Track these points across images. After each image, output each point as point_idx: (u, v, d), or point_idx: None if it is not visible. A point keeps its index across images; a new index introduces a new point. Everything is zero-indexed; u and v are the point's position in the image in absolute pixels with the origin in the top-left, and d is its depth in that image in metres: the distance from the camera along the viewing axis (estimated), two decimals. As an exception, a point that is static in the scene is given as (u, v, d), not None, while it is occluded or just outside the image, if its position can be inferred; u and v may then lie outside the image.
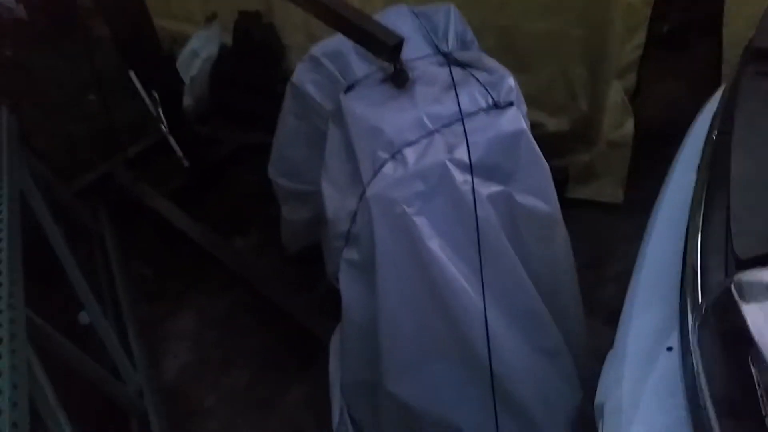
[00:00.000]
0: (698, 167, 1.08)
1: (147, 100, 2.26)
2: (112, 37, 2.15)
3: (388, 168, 1.43)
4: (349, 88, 1.67)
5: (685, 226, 1.10)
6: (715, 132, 1.02)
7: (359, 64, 1.73)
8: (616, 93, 2.09)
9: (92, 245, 2.24)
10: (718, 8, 2.14)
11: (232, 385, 1.86)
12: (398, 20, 1.73)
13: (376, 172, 1.44)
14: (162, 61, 2.26)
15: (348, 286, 1.50)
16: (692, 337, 0.75)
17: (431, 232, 1.35)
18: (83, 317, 1.86)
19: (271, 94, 2.81)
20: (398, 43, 1.57)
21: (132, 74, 2.22)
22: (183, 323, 2.09)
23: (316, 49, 1.81)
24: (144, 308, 2.11)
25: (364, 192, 1.44)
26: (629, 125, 2.11)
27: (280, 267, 2.18)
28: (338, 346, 1.60)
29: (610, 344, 1.62)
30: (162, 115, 2.25)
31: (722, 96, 1.15)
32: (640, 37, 2.02)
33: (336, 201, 1.60)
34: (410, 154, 1.43)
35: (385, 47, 1.58)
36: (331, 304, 1.91)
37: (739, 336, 0.67)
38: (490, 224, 1.35)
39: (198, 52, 2.87)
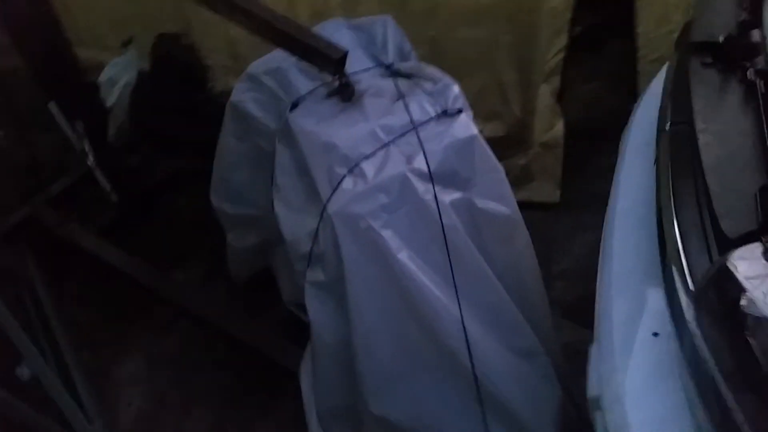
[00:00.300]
0: (656, 159, 1.14)
1: (69, 133, 2.14)
2: (30, 69, 2.02)
3: (347, 183, 1.42)
4: (294, 105, 1.65)
5: (646, 217, 1.15)
6: (668, 124, 1.08)
7: (301, 80, 1.70)
8: (544, 96, 2.17)
9: (21, 293, 2.08)
10: (628, 9, 2.28)
11: (194, 428, 1.77)
12: (335, 34, 1.72)
13: (335, 188, 1.42)
14: (86, 89, 2.15)
15: (316, 309, 1.46)
16: (690, 318, 0.79)
17: (399, 243, 1.34)
18: (22, 371, 1.72)
19: (197, 117, 2.74)
20: (342, 56, 1.56)
21: (52, 106, 2.09)
22: (131, 367, 1.98)
23: (254, 67, 1.78)
24: (86, 355, 1.98)
25: (324, 209, 1.42)
26: (559, 127, 2.20)
27: (228, 297, 2.11)
28: (309, 372, 1.56)
29: (573, 337, 1.68)
30: (88, 147, 2.13)
31: (665, 90, 1.22)
32: (563, 40, 2.11)
33: (292, 221, 1.56)
34: (368, 167, 1.42)
35: (329, 61, 1.57)
36: (292, 329, 1.87)
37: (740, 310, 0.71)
38: (456, 231, 1.36)
39: (115, 79, 2.73)
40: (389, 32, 1.80)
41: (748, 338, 0.72)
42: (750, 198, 0.78)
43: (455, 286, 1.33)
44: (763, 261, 0.71)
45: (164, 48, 2.78)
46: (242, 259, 2.05)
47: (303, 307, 1.85)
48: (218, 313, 1.98)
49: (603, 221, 1.91)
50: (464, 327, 1.30)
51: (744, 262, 0.71)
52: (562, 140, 2.20)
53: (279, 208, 1.61)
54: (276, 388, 1.82)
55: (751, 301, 0.69)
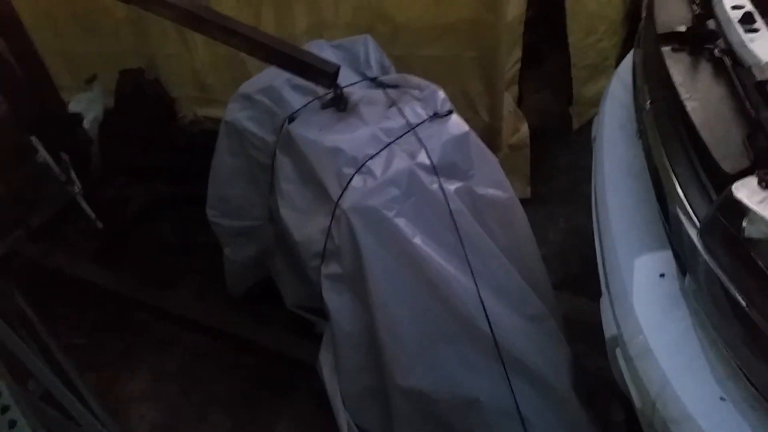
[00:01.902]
0: (639, 132, 1.33)
1: (52, 164, 2.16)
2: (11, 105, 2.04)
3: (357, 181, 1.54)
4: (292, 119, 1.77)
5: (634, 184, 1.34)
6: (648, 102, 1.27)
7: (294, 96, 1.82)
8: (508, 103, 2.37)
9: (13, 325, 2.06)
10: (562, 25, 2.54)
11: (214, 433, 1.81)
12: (321, 53, 1.86)
13: (345, 187, 1.54)
14: (69, 120, 2.18)
15: (334, 300, 1.56)
16: (701, 248, 0.95)
17: (413, 230, 1.47)
18: (34, 386, 1.71)
19: (169, 147, 2.80)
20: (336, 70, 1.70)
21: (34, 140, 2.12)
22: (137, 384, 1.98)
23: (247, 87, 1.88)
24: (90, 378, 1.97)
25: (336, 207, 1.53)
26: (524, 129, 2.40)
27: (228, 308, 2.16)
28: (329, 362, 1.64)
29: (568, 308, 1.83)
30: (73, 177, 2.15)
31: (636, 79, 1.43)
32: (518, 52, 2.33)
33: (302, 224, 1.66)
34: (375, 166, 1.55)
35: (324, 74, 1.70)
36: (298, 330, 1.95)
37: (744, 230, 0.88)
38: (463, 215, 1.50)
39: (81, 115, 2.76)
40: (370, 49, 1.96)
41: (753, 254, 0.89)
42: (739, 144, 0.96)
43: (468, 263, 1.46)
44: (759, 188, 0.89)
45: (129, 83, 2.83)
46: (240, 272, 2.11)
47: (308, 308, 1.96)
48: (223, 320, 2.03)
49: (573, 210, 2.11)
50: (480, 298, 1.43)
51: (744, 190, 0.89)
52: (528, 141, 2.39)
53: (286, 214, 1.70)
54: (290, 385, 1.88)
55: (755, 219, 0.86)
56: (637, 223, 1.25)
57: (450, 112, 1.67)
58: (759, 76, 0.99)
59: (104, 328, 2.15)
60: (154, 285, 2.26)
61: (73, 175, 2.14)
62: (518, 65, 2.35)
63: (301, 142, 1.67)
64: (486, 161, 1.61)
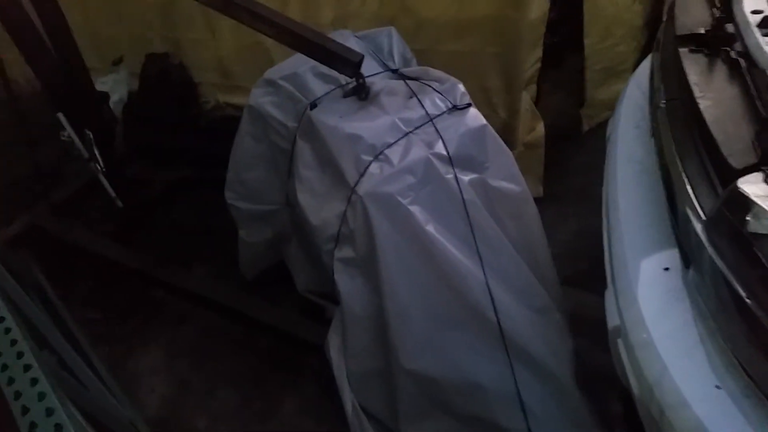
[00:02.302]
0: (653, 131, 1.36)
1: (77, 142, 2.21)
2: (41, 80, 2.10)
3: (374, 168, 1.58)
4: (314, 105, 1.81)
5: (645, 181, 1.36)
6: (663, 101, 1.30)
7: (317, 83, 1.87)
8: (525, 101, 2.40)
9: (31, 297, 2.12)
10: (580, 29, 2.56)
11: (223, 407, 1.85)
12: (346, 42, 1.90)
13: (362, 173, 1.58)
14: (96, 99, 2.24)
15: (346, 282, 1.60)
16: (706, 241, 0.98)
17: (426, 217, 1.51)
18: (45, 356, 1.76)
19: (191, 132, 2.85)
20: (360, 59, 1.74)
21: (60, 116, 2.17)
22: (150, 358, 2.04)
23: (271, 74, 1.93)
24: (103, 350, 2.03)
25: (352, 193, 1.57)
26: (540, 128, 2.43)
27: (241, 289, 2.20)
28: (337, 344, 1.68)
29: (575, 304, 1.85)
30: (97, 155, 2.21)
31: (653, 78, 1.45)
32: (539, 51, 2.35)
33: (319, 208, 1.70)
34: (393, 153, 1.59)
35: (348, 63, 1.74)
36: (308, 314, 1.99)
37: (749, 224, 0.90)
38: (476, 206, 1.54)
39: (108, 94, 2.83)
40: (394, 41, 2.00)
41: (755, 248, 0.91)
42: (748, 141, 0.99)
43: (478, 253, 1.50)
44: (765, 184, 0.91)
45: (155, 67, 2.89)
46: (254, 254, 2.16)
47: (319, 293, 2.00)
48: (237, 299, 2.08)
49: (584, 210, 2.13)
50: (489, 287, 1.46)
51: (750, 186, 0.91)
52: (543, 141, 2.42)
53: (303, 198, 1.75)
54: (298, 364, 1.92)
55: (759, 214, 0.89)
56: (645, 219, 1.28)
57: (468, 106, 1.71)
58: (770, 78, 1.01)
59: (120, 304, 2.20)
60: (170, 264, 2.32)
61: (96, 153, 2.19)
62: (538, 65, 2.37)
63: (322, 128, 1.71)
64: (501, 155, 1.64)
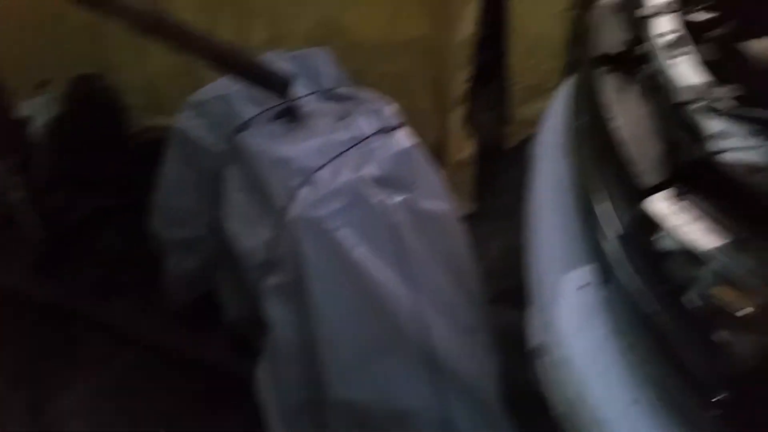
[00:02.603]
0: (570, 150, 1.39)
1: (-6, 169, 2.11)
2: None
3: (303, 192, 1.56)
4: (242, 128, 1.78)
5: (563, 201, 1.39)
6: (578, 121, 1.34)
7: (246, 106, 1.84)
8: (456, 121, 2.44)
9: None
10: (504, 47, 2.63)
11: (150, 450, 1.78)
12: (277, 63, 1.88)
13: (292, 197, 1.56)
14: (14, 125, 2.14)
15: (275, 311, 1.57)
16: (619, 260, 1.01)
17: (356, 242, 1.49)
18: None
19: (118, 157, 2.76)
20: (289, 81, 1.73)
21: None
22: (71, 400, 1.92)
23: (199, 96, 1.89)
24: (21, 393, 1.92)
25: (281, 218, 1.55)
26: (470, 147, 2.48)
27: (168, 322, 2.13)
28: (268, 376, 1.64)
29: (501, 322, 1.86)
30: (16, 183, 2.11)
31: (571, 99, 1.49)
32: (468, 71, 2.40)
33: (247, 234, 1.67)
34: (322, 177, 1.57)
35: (277, 85, 1.72)
36: (238, 345, 1.94)
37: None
38: (405, 227, 1.54)
39: (32, 119, 2.71)
40: (326, 62, 1.99)
41: (663, 265, 0.94)
42: (657, 160, 1.02)
43: (408, 276, 1.50)
44: (672, 203, 0.94)
45: (81, 89, 2.80)
46: (182, 284, 2.09)
47: (249, 323, 1.95)
48: (164, 333, 2.00)
49: (514, 225, 2.16)
50: (418, 310, 1.46)
51: (659, 204, 0.94)
52: (473, 159, 2.46)
53: (231, 224, 1.71)
54: (229, 400, 1.86)
55: (666, 232, 0.91)
56: (564, 236, 1.31)
57: (399, 126, 1.71)
58: (677, 99, 1.05)
59: (39, 343, 2.09)
60: (94, 296, 2.22)
61: (16, 180, 2.09)
62: (467, 84, 2.42)
63: (250, 152, 1.69)
64: (431, 175, 1.66)
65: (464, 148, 2.48)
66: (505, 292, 2.02)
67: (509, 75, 2.68)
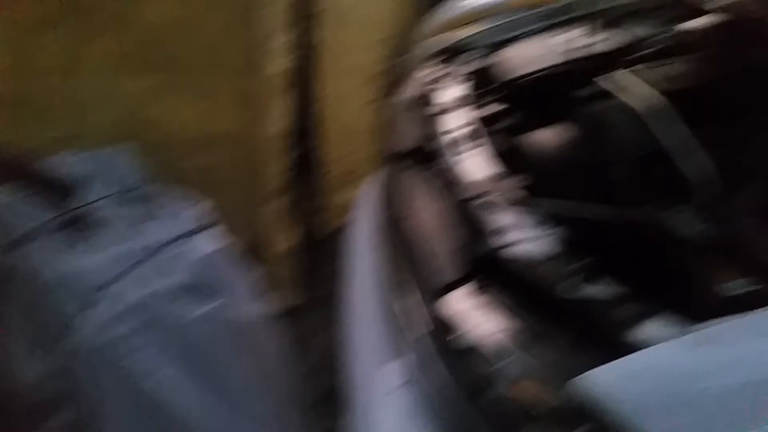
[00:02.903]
0: (377, 245, 1.38)
1: None
2: None
3: (93, 313, 1.38)
4: (22, 242, 1.56)
5: (374, 297, 1.37)
6: (380, 217, 1.33)
7: (27, 215, 1.63)
8: (273, 213, 2.39)
9: None
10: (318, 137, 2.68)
11: None
12: (67, 165, 1.71)
13: (78, 320, 1.38)
14: None
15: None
16: (419, 360, 0.98)
17: (154, 365, 1.35)
18: None
19: None
20: (74, 186, 1.56)
21: None
22: None
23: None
24: None
25: (66, 347, 1.36)
26: (294, 238, 2.42)
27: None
28: None
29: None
30: None
31: (380, 191, 1.50)
32: (283, 163, 2.38)
33: (25, 370, 1.43)
34: (115, 292, 1.41)
35: (61, 191, 1.55)
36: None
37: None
38: (208, 341, 1.42)
39: None
40: (125, 161, 1.84)
41: (468, 364, 0.92)
42: (450, 258, 1.02)
43: (216, 394, 1.38)
44: (464, 301, 0.94)
45: None
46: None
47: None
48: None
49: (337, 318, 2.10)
50: (228, 428, 1.34)
51: (451, 302, 0.93)
52: (294, 250, 2.41)
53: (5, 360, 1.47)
54: None
55: (460, 331, 0.90)
56: (378, 334, 1.26)
57: (207, 227, 1.61)
58: (462, 195, 1.07)
59: None
60: None
61: None
62: (284, 176, 2.40)
63: (27, 272, 1.48)
64: (239, 280, 1.56)
65: (284, 239, 2.43)
66: (329, 393, 1.94)
67: (324, 164, 2.70)
